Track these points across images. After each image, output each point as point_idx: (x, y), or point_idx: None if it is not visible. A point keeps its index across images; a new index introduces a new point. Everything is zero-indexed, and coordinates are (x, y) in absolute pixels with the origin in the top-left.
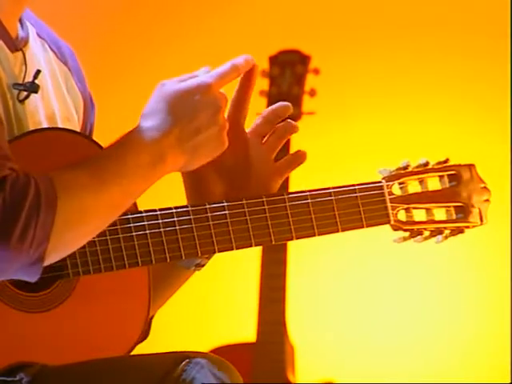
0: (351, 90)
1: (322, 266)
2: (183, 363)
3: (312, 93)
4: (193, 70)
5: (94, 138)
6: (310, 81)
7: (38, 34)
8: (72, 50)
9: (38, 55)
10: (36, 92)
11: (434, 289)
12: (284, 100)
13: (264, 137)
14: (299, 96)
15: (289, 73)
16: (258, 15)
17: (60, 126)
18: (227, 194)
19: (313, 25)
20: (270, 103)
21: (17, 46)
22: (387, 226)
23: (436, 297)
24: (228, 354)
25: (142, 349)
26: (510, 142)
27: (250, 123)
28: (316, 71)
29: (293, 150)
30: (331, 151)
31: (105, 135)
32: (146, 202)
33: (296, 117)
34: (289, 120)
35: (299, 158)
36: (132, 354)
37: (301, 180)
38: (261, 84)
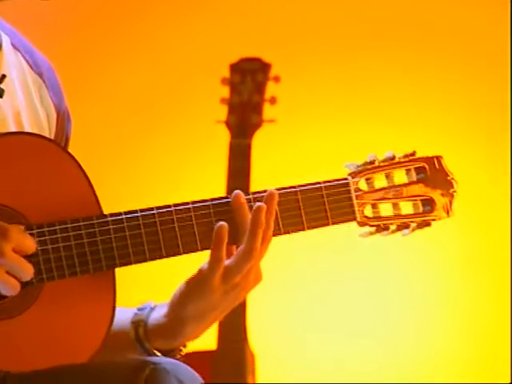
0: (311, 97)
1: (282, 272)
2: (148, 368)
3: (272, 100)
4: (150, 76)
5: (70, 150)
6: (271, 88)
7: (12, 44)
8: (49, 64)
9: (9, 62)
10: (1, 96)
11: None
12: (245, 107)
13: None
14: (260, 104)
15: (249, 80)
16: (219, 23)
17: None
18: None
19: (273, 33)
20: (230, 111)
21: None
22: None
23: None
24: (188, 361)
25: None
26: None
27: (211, 133)
28: (276, 79)
29: (253, 159)
30: (292, 159)
31: (81, 148)
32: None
33: (257, 124)
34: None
35: None
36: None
37: (262, 188)
38: (221, 91)
